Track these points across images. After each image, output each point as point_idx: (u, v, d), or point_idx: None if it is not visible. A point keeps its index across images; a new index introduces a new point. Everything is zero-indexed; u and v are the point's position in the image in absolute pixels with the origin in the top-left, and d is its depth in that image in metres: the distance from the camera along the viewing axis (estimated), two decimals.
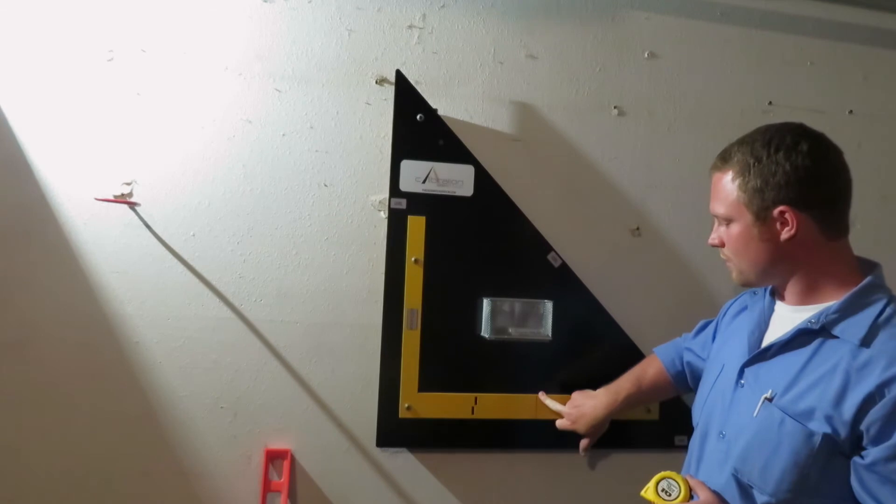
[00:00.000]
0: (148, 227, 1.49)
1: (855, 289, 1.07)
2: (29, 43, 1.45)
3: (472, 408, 1.54)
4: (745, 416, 1.12)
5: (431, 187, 1.53)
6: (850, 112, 1.79)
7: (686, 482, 1.13)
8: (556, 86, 1.65)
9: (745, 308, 1.28)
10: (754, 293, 1.26)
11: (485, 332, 1.55)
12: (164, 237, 1.50)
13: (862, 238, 1.77)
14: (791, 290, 1.14)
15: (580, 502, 1.65)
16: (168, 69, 1.50)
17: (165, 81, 1.50)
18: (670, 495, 1.12)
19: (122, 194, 1.48)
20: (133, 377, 1.49)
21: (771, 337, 1.16)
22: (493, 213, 1.57)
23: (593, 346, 1.61)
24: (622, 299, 1.64)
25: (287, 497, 1.51)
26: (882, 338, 1.03)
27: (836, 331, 1.06)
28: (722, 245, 1.17)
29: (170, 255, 1.50)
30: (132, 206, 1.48)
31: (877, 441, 0.99)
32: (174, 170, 1.50)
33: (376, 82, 1.58)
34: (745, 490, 1.11)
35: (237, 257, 1.53)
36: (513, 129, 1.64)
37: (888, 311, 1.05)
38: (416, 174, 1.53)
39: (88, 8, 1.47)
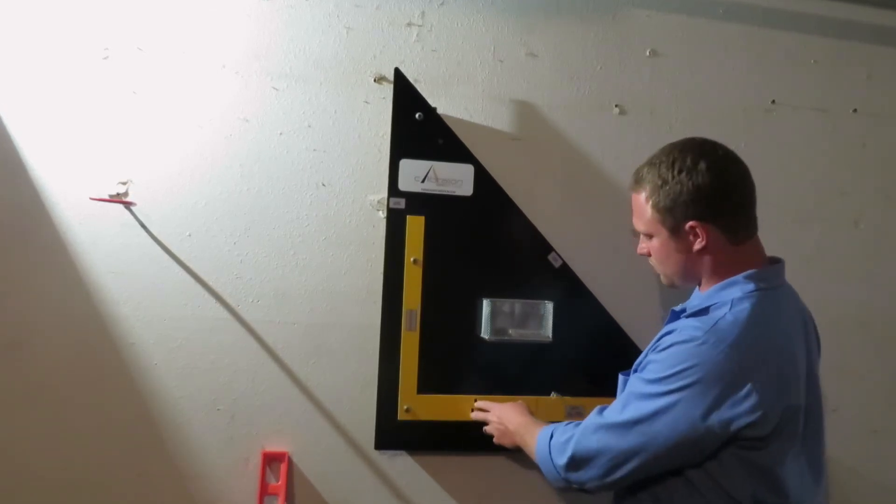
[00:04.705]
0: (144, 227, 1.48)
1: (718, 283, 1.20)
2: (23, 41, 1.44)
3: (472, 410, 1.52)
4: None
5: (430, 187, 1.52)
6: (854, 111, 1.77)
7: None
8: (557, 84, 1.64)
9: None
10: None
11: (484, 333, 1.54)
12: (160, 237, 1.48)
13: (865, 238, 1.79)
14: (705, 286, 1.24)
15: None
16: (164, 67, 1.49)
17: (162, 80, 1.49)
18: None
19: (118, 194, 1.47)
20: (129, 378, 1.47)
21: None
22: (492, 213, 1.55)
23: (594, 348, 1.59)
24: (623, 300, 1.62)
25: (284, 500, 1.50)
26: (699, 314, 1.16)
27: (687, 312, 1.21)
28: (649, 255, 1.28)
29: (166, 256, 1.48)
30: (128, 205, 1.47)
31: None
32: (170, 169, 1.49)
33: (375, 81, 1.57)
34: None
35: (234, 257, 1.51)
36: (513, 128, 1.62)
37: (727, 301, 1.15)
38: (415, 173, 1.51)
39: (84, 5, 1.46)
